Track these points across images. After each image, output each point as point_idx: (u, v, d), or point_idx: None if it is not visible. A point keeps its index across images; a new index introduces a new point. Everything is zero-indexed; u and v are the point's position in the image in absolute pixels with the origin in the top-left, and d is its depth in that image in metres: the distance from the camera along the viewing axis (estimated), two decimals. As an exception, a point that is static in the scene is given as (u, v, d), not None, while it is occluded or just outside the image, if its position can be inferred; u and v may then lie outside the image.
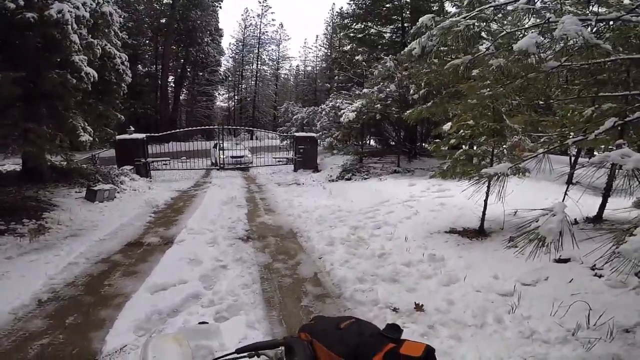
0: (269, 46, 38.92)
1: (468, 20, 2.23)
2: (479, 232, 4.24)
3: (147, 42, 25.87)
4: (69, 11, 5.13)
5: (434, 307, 2.72)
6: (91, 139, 5.90)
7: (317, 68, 39.76)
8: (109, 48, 7.17)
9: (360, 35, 15.34)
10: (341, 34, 20.86)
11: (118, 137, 9.76)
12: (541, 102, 3.26)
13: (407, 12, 14.57)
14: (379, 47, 15.67)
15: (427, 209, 5.46)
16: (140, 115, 23.02)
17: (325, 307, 3.01)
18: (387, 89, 9.36)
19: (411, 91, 8.87)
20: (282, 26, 39.51)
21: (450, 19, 2.39)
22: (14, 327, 2.67)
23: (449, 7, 13.24)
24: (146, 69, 25.99)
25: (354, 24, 15.76)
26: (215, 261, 3.76)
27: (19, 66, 4.68)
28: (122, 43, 8.53)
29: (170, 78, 28.40)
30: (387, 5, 14.41)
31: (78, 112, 5.79)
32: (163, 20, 25.63)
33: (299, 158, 12.95)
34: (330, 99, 15.46)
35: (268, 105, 38.16)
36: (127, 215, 6.06)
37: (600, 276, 2.75)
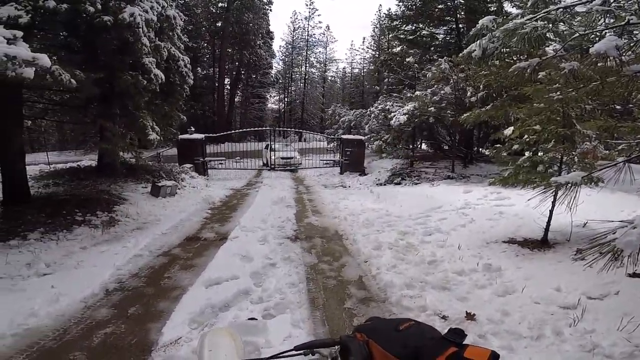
0: (317, 48, 39.55)
1: (535, 22, 2.08)
2: (542, 243, 3.92)
3: (205, 45, 27.34)
4: (139, 14, 5.41)
5: (486, 317, 2.62)
6: (158, 137, 6.42)
7: (365, 70, 39.49)
8: (173, 51, 7.53)
9: (411, 37, 14.93)
10: (390, 35, 20.43)
11: (180, 136, 10.61)
12: (618, 107, 2.92)
13: (462, 13, 13.96)
14: (432, 48, 15.17)
15: (484, 217, 5.16)
16: (199, 116, 24.65)
17: (369, 311, 2.99)
18: (442, 92, 9.01)
19: (468, 93, 8.47)
20: (328, 28, 39.64)
21: (514, 21, 2.25)
22: (83, 315, 2.91)
23: (508, 7, 12.41)
24: (204, 71, 27.58)
25: (404, 26, 15.37)
26: (265, 259, 3.93)
27: (97, 67, 5.18)
28: (184, 46, 8.98)
29: (226, 80, 29.78)
30: (440, 6, 13.86)
31: (147, 112, 6.27)
32: (219, 24, 26.89)
33: (345, 161, 12.99)
34: (379, 101, 15.29)
35: (316, 108, 38.64)
36: (186, 211, 6.57)
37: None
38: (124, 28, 5.23)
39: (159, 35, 6.76)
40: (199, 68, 25.48)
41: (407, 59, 13.11)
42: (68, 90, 5.26)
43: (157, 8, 6.28)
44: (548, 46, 2.76)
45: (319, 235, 5.22)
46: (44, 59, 3.36)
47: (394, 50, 18.28)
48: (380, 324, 0.73)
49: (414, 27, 14.96)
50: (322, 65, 40.26)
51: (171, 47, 7.33)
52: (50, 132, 12.45)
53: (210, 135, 12.46)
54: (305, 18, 37.67)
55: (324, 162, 14.53)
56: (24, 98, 5.77)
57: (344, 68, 42.72)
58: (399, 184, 9.36)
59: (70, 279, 3.47)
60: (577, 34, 1.98)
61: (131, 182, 7.91)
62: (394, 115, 9.48)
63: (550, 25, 2.05)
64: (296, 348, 0.74)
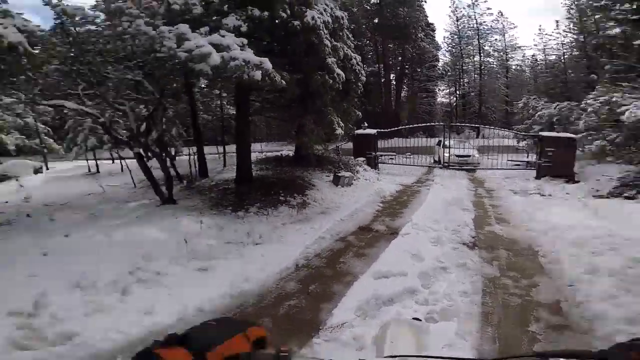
0: (491, 36, 34.00)
1: None
2: None
3: (367, 42, 28.00)
4: (317, 17, 5.71)
5: None
6: (343, 132, 7.08)
7: (565, 56, 30.75)
8: (346, 50, 7.79)
9: (635, 17, 10.51)
10: (597, 16, 15.01)
11: (356, 131, 11.36)
12: None
13: None
14: None
15: None
16: (369, 112, 25.83)
17: (561, 339, 2.49)
18: None
19: None
20: (501, 14, 33.05)
21: None
22: (277, 285, 3.38)
23: None
24: (370, 68, 28.38)
25: (617, 5, 11.03)
26: (437, 261, 3.65)
27: (294, 69, 5.68)
28: (353, 45, 9.23)
29: (391, 76, 29.88)
30: None
31: (332, 109, 6.88)
32: (376, 20, 27.05)
33: (545, 163, 10.48)
34: (595, 92, 11.53)
35: (497, 100, 33.33)
36: (360, 202, 6.98)
37: None
38: (309, 31, 5.62)
39: (333, 36, 7.00)
40: (365, 65, 26.54)
41: (636, 42, 9.30)
42: (276, 91, 6.35)
43: (328, 10, 6.58)
44: None
45: (504, 247, 4.44)
46: (267, 63, 4.19)
47: (610, 32, 13.42)
48: None
49: (635, 7, 10.51)
50: (501, 54, 34.45)
51: (344, 47, 7.57)
52: (261, 127, 15.94)
53: (382, 130, 12.73)
54: (469, 6, 33.11)
55: (513, 162, 12.23)
56: (250, 99, 7.47)
57: (533, 55, 34.90)
58: (632, 198, 6.76)
59: (273, 251, 4.17)
60: None
61: (318, 171, 9.13)
62: (628, 109, 6.92)
63: None
64: (538, 354, 0.58)
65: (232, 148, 8.86)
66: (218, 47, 4.05)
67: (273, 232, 4.94)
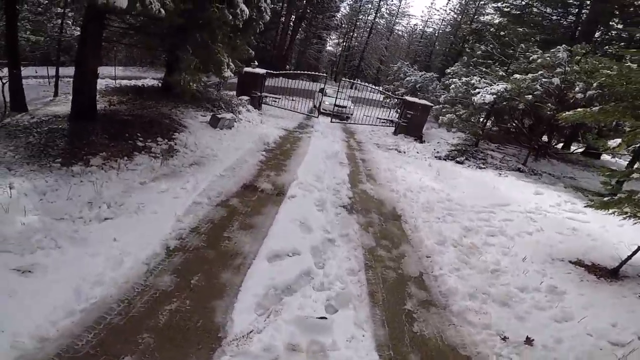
0: (391, 0, 36.54)
1: None
2: (611, 274, 3.57)
3: None
4: None
5: (541, 343, 2.65)
6: (231, 74, 6.09)
7: (439, 32, 35.65)
8: None
9: (517, 12, 12.81)
10: (491, 5, 17.66)
11: (245, 69, 10.19)
12: None
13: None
14: (539, 27, 13.23)
15: (554, 229, 4.62)
16: (261, 48, 23.82)
17: (430, 317, 2.89)
18: (544, 79, 7.75)
19: (577, 89, 7.23)
20: None
21: None
22: (146, 282, 2.61)
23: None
24: (273, 5, 26.08)
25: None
26: (324, 232, 3.73)
27: None
28: None
29: (291, 17, 28.34)
30: None
31: (222, 45, 5.79)
32: None
33: (403, 122, 12.13)
34: (455, 68, 13.66)
35: (375, 59, 36.36)
36: (242, 148, 6.37)
37: None
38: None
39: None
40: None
41: (503, 33, 11.32)
42: (148, 17, 4.85)
43: None
44: None
45: (376, 210, 4.96)
46: None
47: (488, 19, 16.15)
48: None
49: (524, 3, 12.77)
50: (392, 17, 37.37)
51: None
52: (119, 49, 12.33)
53: (272, 72, 12.03)
54: None
55: (380, 120, 13.65)
56: (105, 24, 5.47)
57: (415, 24, 39.25)
58: (461, 162, 8.57)
59: (131, 230, 3.12)
60: None
61: (192, 109, 7.80)
62: (479, 93, 8.40)
63: None
64: None
65: (70, 71, 6.30)
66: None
67: (128, 196, 3.70)
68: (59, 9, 7.99)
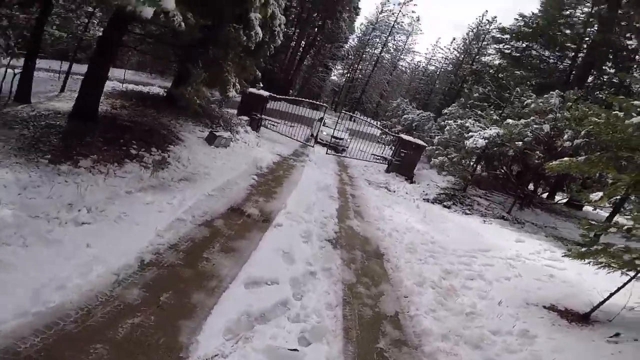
0: (399, 36, 38.00)
1: None
2: (583, 318, 3.63)
3: (295, 5, 26.71)
4: None
5: None
6: (236, 94, 6.25)
7: (441, 70, 37.19)
8: (275, 8, 7.19)
9: (517, 55, 13.56)
10: (493, 46, 18.76)
11: (249, 89, 10.46)
12: None
13: (588, 42, 12.51)
14: (536, 71, 13.84)
15: (532, 276, 4.70)
16: (267, 70, 24.46)
17: (401, 357, 2.90)
18: (535, 125, 8.05)
19: (565, 136, 7.50)
20: (418, 20, 37.14)
21: None
22: (112, 293, 2.54)
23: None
24: (285, 29, 27.09)
25: (513, 42, 14.00)
26: (306, 264, 3.73)
27: (207, 13, 4.70)
28: (284, 4, 8.60)
29: (302, 43, 29.35)
30: (567, 31, 12.36)
31: (232, 65, 5.96)
32: None
33: (396, 161, 12.39)
34: (453, 108, 14.19)
35: (376, 92, 37.50)
36: (235, 169, 6.42)
37: None
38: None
39: (265, -10, 6.25)
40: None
41: (501, 75, 11.93)
42: (167, 27, 5.05)
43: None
44: None
45: (360, 247, 4.97)
46: (170, 2, 3.11)
47: (489, 60, 16.98)
48: None
49: (525, 45, 13.55)
50: (397, 53, 38.76)
51: (275, 4, 6.99)
52: (133, 54, 12.61)
53: (274, 95, 12.31)
54: (399, 4, 35.46)
55: (374, 156, 13.93)
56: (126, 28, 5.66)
57: (419, 61, 40.63)
58: (448, 207, 8.73)
59: (108, 238, 3.07)
60: None
61: (191, 123, 7.88)
62: (472, 136, 8.69)
63: None
64: None
65: (82, 69, 6.45)
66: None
67: (111, 203, 3.62)
68: (89, 8, 8.29)
